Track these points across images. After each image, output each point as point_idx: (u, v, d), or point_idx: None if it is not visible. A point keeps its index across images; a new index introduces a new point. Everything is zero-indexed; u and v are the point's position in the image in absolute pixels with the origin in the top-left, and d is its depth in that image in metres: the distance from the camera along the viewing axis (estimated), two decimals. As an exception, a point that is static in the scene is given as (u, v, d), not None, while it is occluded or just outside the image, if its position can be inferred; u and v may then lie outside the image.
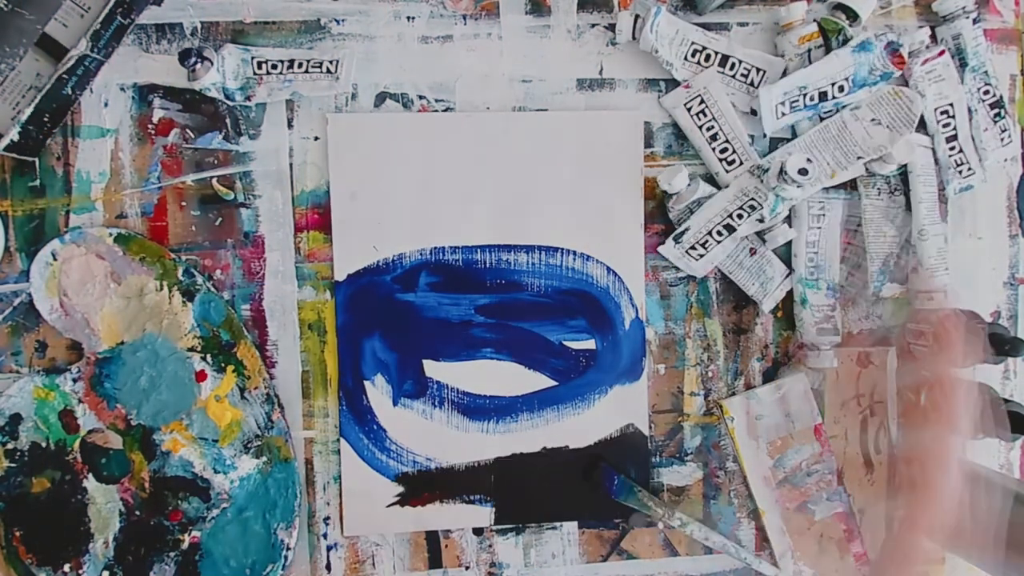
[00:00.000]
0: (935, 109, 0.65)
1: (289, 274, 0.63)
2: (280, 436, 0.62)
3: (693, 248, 0.64)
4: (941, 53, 0.64)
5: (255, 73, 0.61)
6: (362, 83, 0.63)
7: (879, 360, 0.67)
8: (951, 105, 0.65)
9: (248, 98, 0.61)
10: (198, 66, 0.58)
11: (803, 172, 0.58)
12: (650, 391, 0.66)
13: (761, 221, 0.62)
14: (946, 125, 0.65)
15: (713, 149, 0.64)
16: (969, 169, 0.66)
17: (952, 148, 0.66)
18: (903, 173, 0.66)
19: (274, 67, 0.61)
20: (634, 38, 0.63)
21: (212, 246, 0.62)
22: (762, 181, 0.62)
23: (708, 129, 0.64)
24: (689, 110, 0.64)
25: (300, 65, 0.61)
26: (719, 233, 0.63)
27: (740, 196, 0.62)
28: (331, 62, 0.61)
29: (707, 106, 0.63)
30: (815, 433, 0.66)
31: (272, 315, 0.63)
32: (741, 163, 0.63)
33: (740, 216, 0.62)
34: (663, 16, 0.62)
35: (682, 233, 0.63)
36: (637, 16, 0.62)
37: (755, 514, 0.67)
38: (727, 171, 0.64)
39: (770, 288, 0.65)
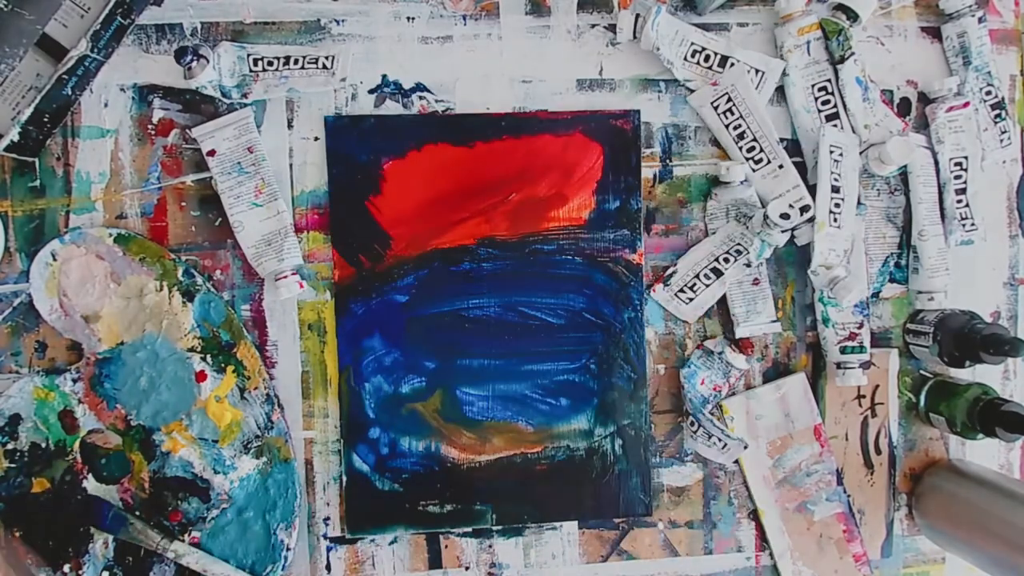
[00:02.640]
0: (950, 159, 0.65)
1: (289, 274, 0.63)
2: (280, 436, 0.62)
3: (682, 291, 0.64)
4: (966, 104, 0.64)
5: (251, 70, 0.61)
6: (362, 84, 0.63)
7: (880, 361, 0.67)
8: (965, 158, 0.65)
9: (245, 95, 0.61)
10: (194, 64, 0.58)
11: (784, 216, 0.59)
12: (650, 391, 0.66)
13: (748, 265, 0.63)
14: (958, 177, 0.65)
15: (740, 148, 0.64)
16: (972, 224, 0.66)
17: (960, 201, 0.66)
18: (903, 173, 0.66)
19: (270, 64, 0.61)
20: (635, 37, 0.63)
21: (212, 246, 0.62)
22: (747, 227, 0.62)
23: (735, 128, 0.63)
24: (716, 108, 0.63)
25: (296, 62, 0.61)
26: (706, 276, 0.64)
27: (727, 241, 0.63)
28: (327, 58, 0.61)
29: (734, 104, 0.63)
30: (815, 433, 0.66)
31: (272, 315, 0.63)
32: (769, 162, 0.63)
33: (727, 260, 0.63)
34: (663, 16, 0.62)
35: (671, 276, 0.64)
36: (638, 15, 0.62)
37: (755, 514, 0.67)
38: (755, 170, 0.64)
39: (751, 319, 0.65)
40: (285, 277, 0.60)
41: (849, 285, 0.61)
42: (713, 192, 0.65)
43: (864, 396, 0.67)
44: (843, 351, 0.65)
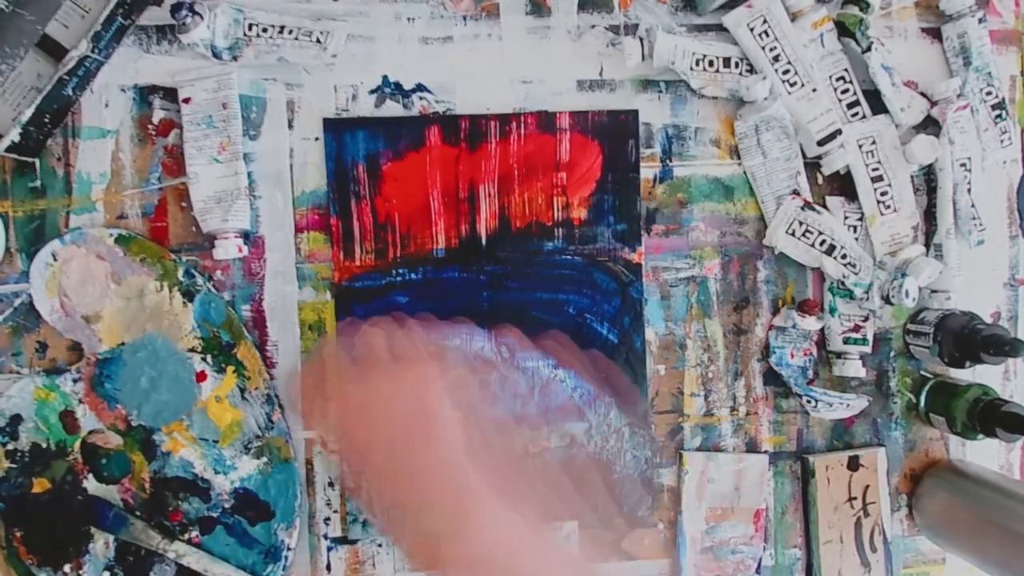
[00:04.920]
0: (956, 160, 0.65)
1: (289, 275, 0.63)
2: (280, 437, 0.62)
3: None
4: (964, 106, 0.65)
5: (245, 34, 0.61)
6: (362, 84, 0.63)
7: (868, 461, 0.67)
8: (969, 159, 0.65)
9: (235, 58, 0.61)
10: (188, 20, 0.58)
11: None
12: (650, 391, 0.66)
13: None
14: (964, 177, 0.65)
15: (776, 71, 0.63)
16: (981, 225, 0.66)
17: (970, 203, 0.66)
18: (926, 173, 0.66)
19: (264, 31, 0.61)
20: (643, 60, 0.63)
21: (212, 247, 0.62)
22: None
23: (771, 50, 0.63)
24: (752, 30, 0.63)
25: (291, 32, 0.61)
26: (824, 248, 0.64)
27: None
28: (322, 33, 0.61)
29: (770, 26, 0.63)
30: (755, 516, 0.66)
31: (272, 316, 0.63)
32: (803, 85, 0.63)
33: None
34: (660, 37, 0.62)
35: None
36: (642, 39, 0.62)
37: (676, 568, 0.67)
38: (789, 93, 0.63)
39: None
40: (226, 238, 0.60)
41: (921, 265, 0.62)
42: (738, 113, 0.65)
43: (855, 498, 0.67)
44: (846, 341, 0.65)
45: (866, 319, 0.65)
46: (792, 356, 0.66)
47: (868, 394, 0.67)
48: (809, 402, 0.65)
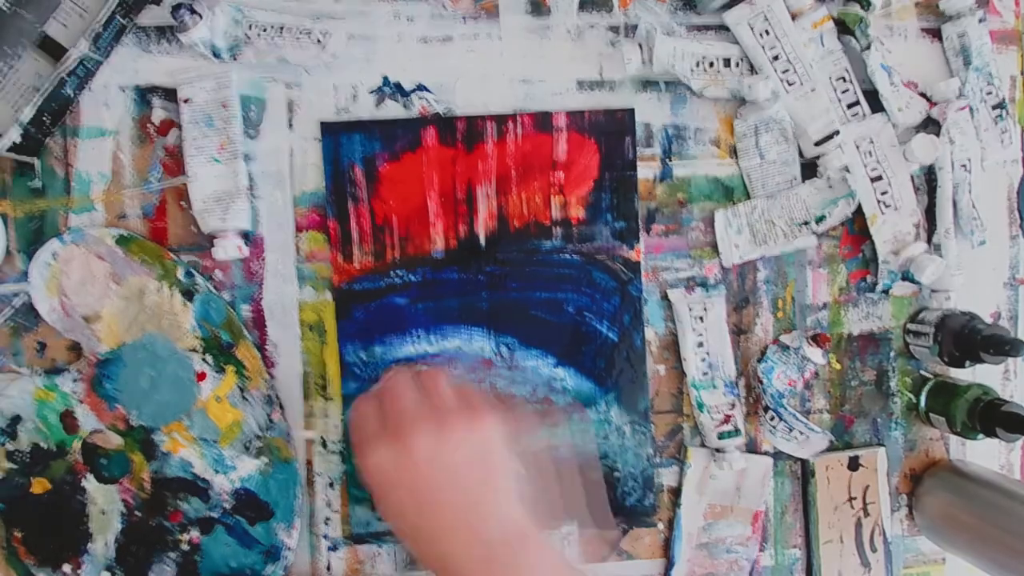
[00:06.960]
0: (957, 161, 0.65)
1: (289, 275, 0.63)
2: (280, 437, 0.62)
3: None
4: (964, 107, 0.65)
5: (245, 34, 0.61)
6: (362, 84, 0.63)
7: (867, 461, 0.67)
8: (968, 160, 0.65)
9: (235, 58, 0.61)
10: (188, 19, 0.58)
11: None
12: (650, 391, 0.66)
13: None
14: (965, 178, 0.65)
15: (775, 69, 0.63)
16: (983, 224, 0.66)
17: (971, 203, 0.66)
18: (926, 173, 0.66)
19: (264, 31, 0.61)
20: (643, 64, 0.63)
21: (212, 247, 0.62)
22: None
23: (771, 48, 0.63)
24: (752, 28, 0.63)
25: (291, 32, 0.61)
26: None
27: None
28: (322, 33, 0.61)
29: (771, 24, 0.63)
30: (753, 518, 0.66)
31: (272, 316, 0.63)
32: (802, 84, 0.63)
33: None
34: (659, 40, 0.62)
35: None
36: (640, 44, 0.62)
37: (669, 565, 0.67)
38: (787, 92, 0.63)
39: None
40: (226, 238, 0.60)
41: (924, 262, 0.62)
42: (739, 112, 0.65)
43: (855, 498, 0.67)
44: (720, 436, 0.64)
45: (733, 406, 0.64)
46: (778, 377, 0.65)
47: (868, 394, 0.67)
48: (772, 419, 0.64)
